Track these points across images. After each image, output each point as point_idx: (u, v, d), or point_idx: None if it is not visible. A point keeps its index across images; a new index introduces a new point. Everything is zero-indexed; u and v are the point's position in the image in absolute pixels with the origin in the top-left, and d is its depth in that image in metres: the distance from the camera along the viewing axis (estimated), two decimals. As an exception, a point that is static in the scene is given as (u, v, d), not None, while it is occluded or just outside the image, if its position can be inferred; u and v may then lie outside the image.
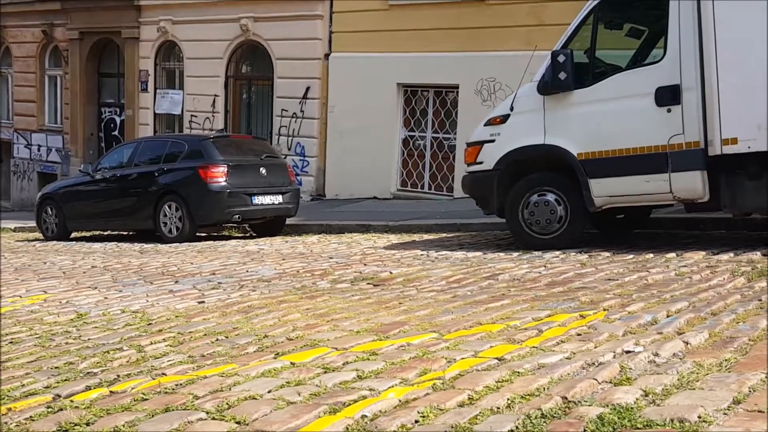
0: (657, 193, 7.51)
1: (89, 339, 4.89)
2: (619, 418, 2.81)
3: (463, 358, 3.76)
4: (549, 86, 7.90)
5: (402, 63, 14.96)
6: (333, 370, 3.71)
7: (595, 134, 7.73)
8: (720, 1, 7.06)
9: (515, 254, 7.84)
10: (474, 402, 3.12)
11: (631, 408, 2.91)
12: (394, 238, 10.37)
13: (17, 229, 15.91)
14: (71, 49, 20.49)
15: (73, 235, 13.80)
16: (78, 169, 15.77)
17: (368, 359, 3.88)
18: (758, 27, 6.91)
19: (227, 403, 3.27)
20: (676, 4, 7.32)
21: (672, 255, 7.09)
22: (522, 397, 3.13)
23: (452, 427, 2.84)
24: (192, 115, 18.32)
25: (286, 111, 16.69)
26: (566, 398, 3.06)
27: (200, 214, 11.77)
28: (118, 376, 3.89)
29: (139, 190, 12.39)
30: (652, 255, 7.18)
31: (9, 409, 3.44)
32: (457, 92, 14.58)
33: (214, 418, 3.12)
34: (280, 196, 12.25)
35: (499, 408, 3.02)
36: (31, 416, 3.33)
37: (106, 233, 13.91)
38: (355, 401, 3.20)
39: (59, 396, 3.60)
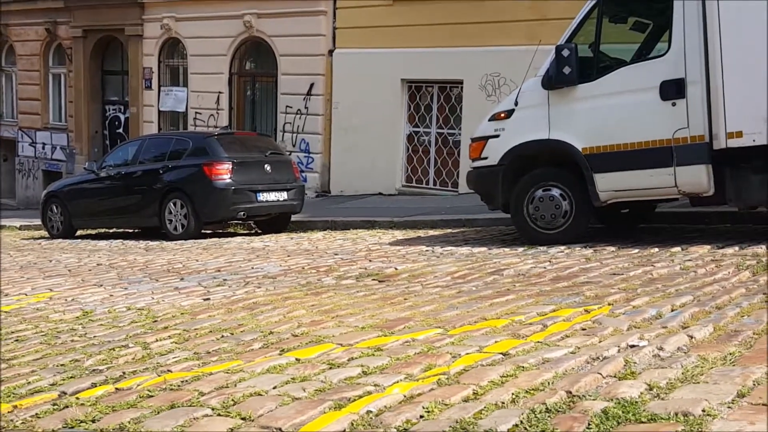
0: (662, 187, 7.49)
1: (95, 336, 4.90)
2: (623, 412, 2.81)
3: (467, 354, 3.76)
4: (553, 81, 7.89)
5: (406, 58, 14.94)
6: (338, 366, 3.72)
7: (600, 129, 7.71)
8: (724, -6, 7.04)
9: (520, 249, 7.84)
10: (479, 397, 3.12)
11: (636, 402, 2.91)
12: (399, 234, 10.37)
13: (23, 227, 15.95)
14: (75, 46, 20.51)
15: (79, 233, 13.84)
16: (83, 167, 15.82)
17: (373, 355, 3.88)
18: (763, 20, 6.88)
19: (233, 400, 3.28)
20: (681, -3, 7.29)
21: (677, 249, 7.08)
22: (527, 391, 3.13)
23: (457, 422, 2.84)
24: (196, 113, 18.33)
25: (291, 107, 16.69)
26: (571, 393, 3.06)
27: (205, 211, 11.79)
28: (124, 373, 3.90)
29: (144, 187, 12.40)
30: (656, 249, 7.17)
31: (15, 407, 3.45)
32: (462, 87, 14.57)
33: (219, 415, 3.13)
34: (285, 192, 12.26)
35: (503, 403, 3.03)
36: (37, 413, 3.34)
37: (111, 231, 13.93)
38: (360, 397, 3.20)
39: (65, 393, 3.62)
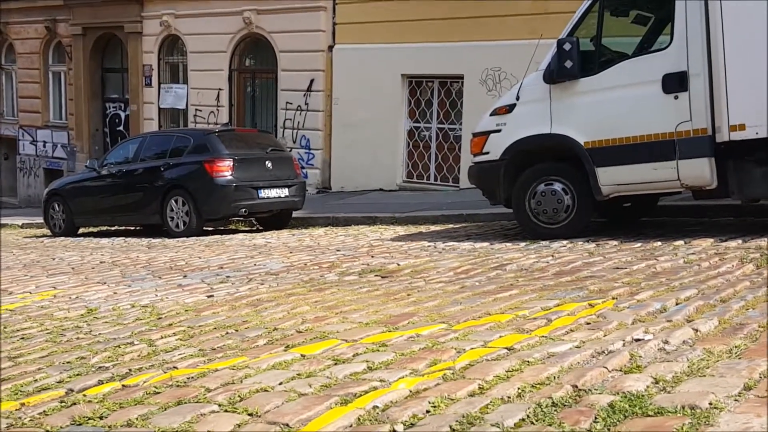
0: (665, 180, 7.49)
1: (100, 334, 4.91)
2: (630, 405, 2.82)
3: (472, 348, 3.77)
4: (555, 75, 7.87)
5: (406, 54, 14.92)
6: (343, 362, 3.72)
7: (602, 122, 7.70)
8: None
9: (522, 244, 7.84)
10: (484, 391, 3.13)
11: (642, 395, 2.91)
12: (401, 230, 10.37)
13: (25, 226, 15.95)
14: (74, 44, 20.50)
15: (81, 230, 13.84)
16: (84, 165, 15.80)
17: (378, 350, 3.89)
18: (765, 12, 6.87)
19: (239, 396, 3.29)
20: (682, -10, 7.28)
21: (680, 242, 7.08)
22: (532, 386, 3.13)
23: (464, 417, 2.85)
24: (196, 110, 18.32)
25: (291, 104, 16.67)
26: (577, 387, 3.06)
27: (207, 209, 11.79)
28: (130, 370, 3.91)
29: (146, 185, 12.40)
30: (660, 243, 7.17)
31: (23, 404, 3.46)
32: (462, 82, 14.54)
33: (226, 411, 3.14)
34: (286, 189, 12.26)
35: (509, 397, 3.03)
36: (44, 411, 3.35)
37: (113, 229, 13.94)
38: (366, 392, 3.21)
39: (72, 390, 3.63)
